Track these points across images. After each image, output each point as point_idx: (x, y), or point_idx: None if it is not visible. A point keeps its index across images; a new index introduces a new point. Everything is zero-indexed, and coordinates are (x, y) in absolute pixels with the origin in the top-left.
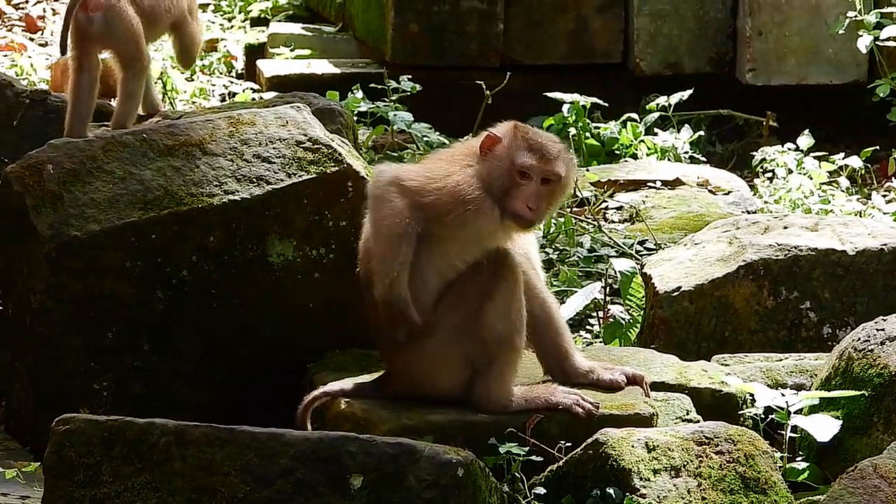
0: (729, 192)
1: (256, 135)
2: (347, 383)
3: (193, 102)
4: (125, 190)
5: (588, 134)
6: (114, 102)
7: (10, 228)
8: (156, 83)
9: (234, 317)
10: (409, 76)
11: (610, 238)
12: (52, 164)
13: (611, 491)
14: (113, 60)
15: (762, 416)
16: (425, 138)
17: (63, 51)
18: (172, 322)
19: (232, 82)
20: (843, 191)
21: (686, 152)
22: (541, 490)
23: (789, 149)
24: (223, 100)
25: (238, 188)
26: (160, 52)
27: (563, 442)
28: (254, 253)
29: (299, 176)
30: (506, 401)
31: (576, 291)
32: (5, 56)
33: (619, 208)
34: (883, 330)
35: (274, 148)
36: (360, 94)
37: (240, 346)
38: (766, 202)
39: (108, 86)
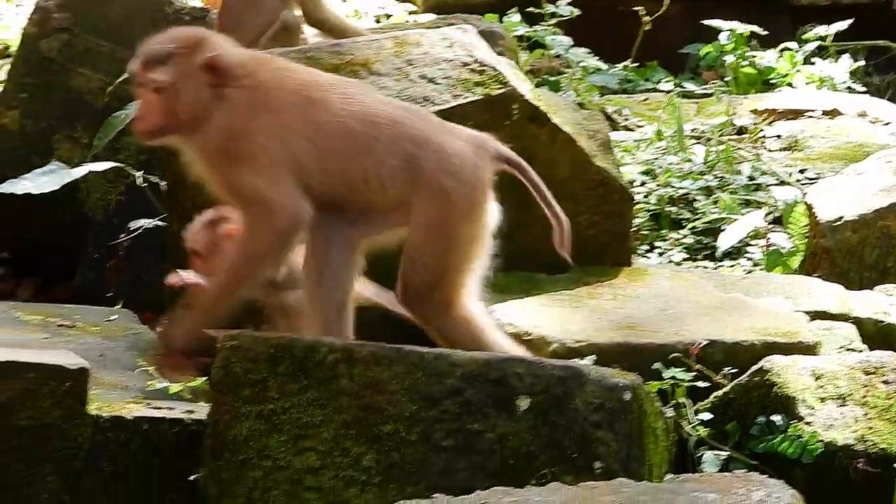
0: (888, 123)
1: (422, 55)
2: None
3: None
4: None
5: (745, 62)
6: None
7: (162, 147)
8: None
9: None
10: (567, 0)
11: (769, 167)
12: None
13: (776, 418)
14: None
15: None
16: (582, 63)
17: None
18: None
19: (387, 3)
20: None
21: (844, 82)
22: (705, 416)
23: None
24: (378, 21)
25: None
26: None
27: (727, 368)
28: None
29: (465, 97)
30: None
31: (736, 219)
32: None
33: (778, 137)
34: None
35: (440, 69)
36: (517, 18)
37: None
38: None
39: None
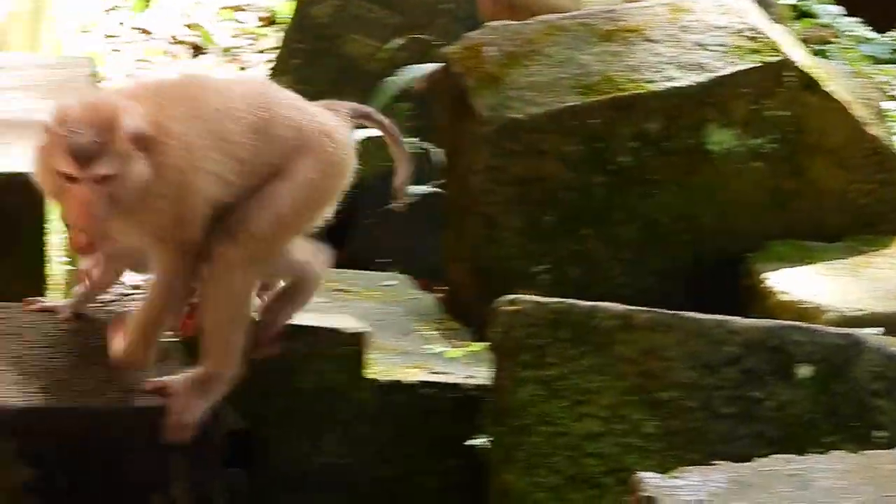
0: None
1: (695, 22)
2: None
3: None
4: (564, 74)
5: None
6: None
7: (451, 109)
8: None
9: (673, 204)
10: None
11: None
12: (491, 47)
13: None
14: None
15: None
16: (851, 33)
17: None
18: (612, 207)
19: None
20: None
21: None
22: None
23: None
24: None
25: (678, 75)
26: None
27: None
28: (693, 140)
29: (738, 65)
30: None
31: None
32: None
33: None
34: None
35: (713, 36)
36: None
37: (678, 233)
38: None
39: None
